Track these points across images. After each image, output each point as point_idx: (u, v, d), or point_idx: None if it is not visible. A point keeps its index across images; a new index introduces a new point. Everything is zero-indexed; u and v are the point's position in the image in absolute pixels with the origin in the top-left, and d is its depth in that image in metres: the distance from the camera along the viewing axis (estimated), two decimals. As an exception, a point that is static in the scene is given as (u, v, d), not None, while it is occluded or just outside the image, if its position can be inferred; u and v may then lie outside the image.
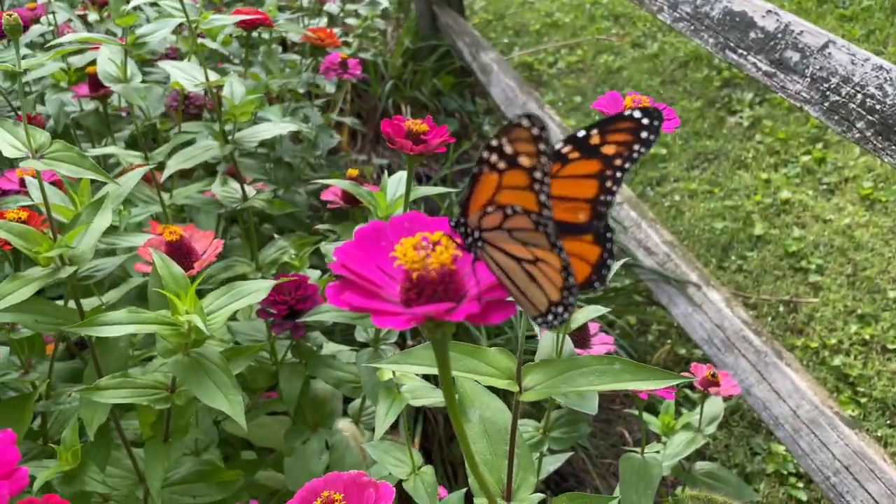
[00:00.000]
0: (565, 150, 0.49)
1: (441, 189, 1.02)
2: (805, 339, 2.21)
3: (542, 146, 0.41)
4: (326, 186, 2.01)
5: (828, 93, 1.22)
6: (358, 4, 2.39)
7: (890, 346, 2.16)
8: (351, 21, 2.45)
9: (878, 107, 1.14)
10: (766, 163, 2.86)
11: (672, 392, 1.07)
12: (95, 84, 1.29)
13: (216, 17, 1.23)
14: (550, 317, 0.45)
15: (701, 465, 1.39)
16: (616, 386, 0.57)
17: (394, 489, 0.57)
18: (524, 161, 0.42)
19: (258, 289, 0.80)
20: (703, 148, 2.97)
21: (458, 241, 0.43)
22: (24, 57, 1.47)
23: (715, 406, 1.37)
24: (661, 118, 0.48)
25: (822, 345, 2.19)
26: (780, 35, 1.33)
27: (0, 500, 0.43)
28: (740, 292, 2.37)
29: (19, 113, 1.45)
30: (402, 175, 1.06)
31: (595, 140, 0.49)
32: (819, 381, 1.97)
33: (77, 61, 1.33)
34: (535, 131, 0.41)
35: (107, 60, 1.13)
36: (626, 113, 0.48)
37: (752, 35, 1.38)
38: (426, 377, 0.87)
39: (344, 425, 1.06)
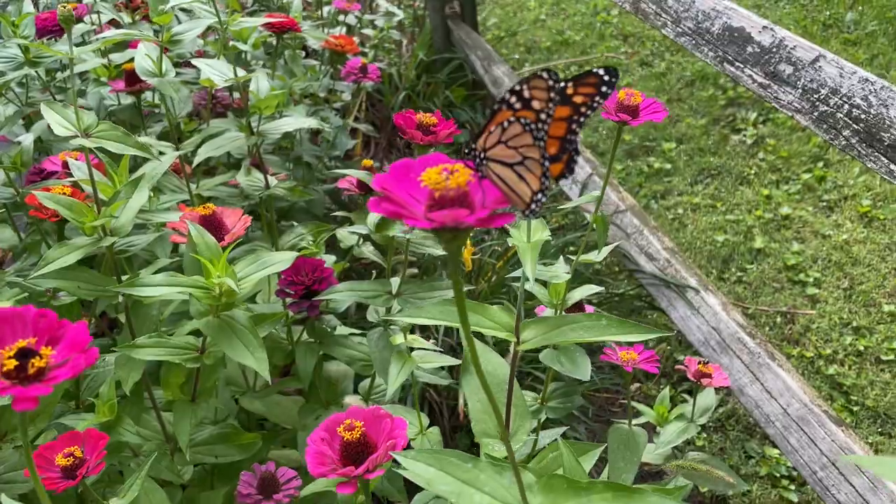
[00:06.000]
0: None
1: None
2: (801, 349, 2.28)
3: (552, 94, 0.54)
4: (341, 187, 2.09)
5: (817, 103, 1.30)
6: (374, 16, 2.48)
7: (884, 358, 2.22)
8: (367, 32, 2.54)
9: (863, 116, 1.22)
10: (767, 179, 2.93)
11: (656, 366, 1.14)
12: (131, 79, 1.38)
13: (245, 19, 1.32)
14: (534, 205, 0.56)
15: (694, 454, 1.46)
16: (603, 338, 0.65)
17: (407, 422, 0.65)
18: (536, 105, 0.55)
19: (282, 259, 0.88)
20: (706, 164, 3.05)
21: (470, 165, 0.55)
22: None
23: (707, 398, 1.43)
24: (617, 76, 0.62)
25: (818, 355, 2.25)
26: (774, 49, 1.41)
27: (77, 367, 0.50)
28: (739, 303, 2.44)
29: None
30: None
31: (570, 90, 0.62)
32: (813, 390, 2.03)
33: (117, 58, 1.42)
34: (552, 82, 0.54)
35: (144, 56, 1.22)
36: (594, 70, 0.62)
37: (749, 49, 1.46)
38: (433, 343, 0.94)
39: (351, 400, 1.13)
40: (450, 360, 0.93)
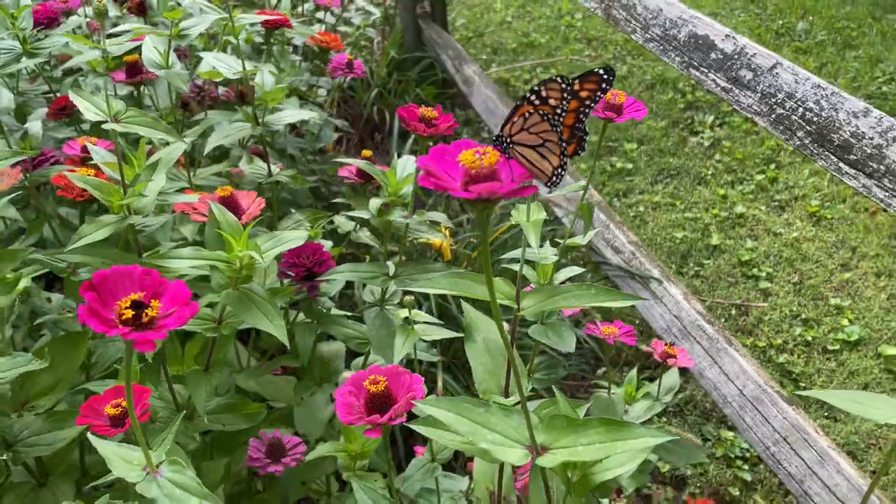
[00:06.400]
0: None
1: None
2: (754, 339, 2.42)
3: (565, 94, 0.66)
4: (323, 180, 2.16)
5: (775, 106, 1.42)
6: (351, 14, 2.56)
7: (830, 347, 2.37)
8: (343, 29, 2.61)
9: (815, 119, 1.34)
10: (723, 180, 3.08)
11: (633, 338, 1.24)
12: (132, 71, 1.44)
13: (243, 16, 1.39)
14: (554, 178, 0.69)
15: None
16: (591, 303, 0.75)
17: (422, 378, 0.73)
18: (552, 101, 0.66)
19: (296, 238, 0.96)
20: (666, 164, 3.19)
21: (498, 150, 0.65)
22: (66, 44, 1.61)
23: (672, 378, 1.55)
24: (614, 75, 0.75)
25: (769, 344, 2.40)
26: (736, 56, 1.53)
27: (183, 317, 0.58)
28: (697, 296, 2.57)
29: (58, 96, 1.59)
30: (408, 158, 1.23)
31: (577, 87, 0.76)
32: (767, 372, 2.17)
33: (115, 50, 1.47)
34: (564, 85, 0.66)
35: (151, 49, 1.28)
36: (596, 70, 0.75)
37: (713, 56, 1.58)
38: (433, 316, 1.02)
39: (349, 375, 1.21)
40: (449, 333, 1.01)
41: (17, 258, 0.99)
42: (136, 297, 0.58)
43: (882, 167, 1.22)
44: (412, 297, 0.96)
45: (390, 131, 3.24)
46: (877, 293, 2.53)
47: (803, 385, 2.27)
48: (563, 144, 0.66)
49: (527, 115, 0.65)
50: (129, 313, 0.58)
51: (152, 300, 0.59)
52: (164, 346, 1.06)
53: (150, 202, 0.99)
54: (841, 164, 1.29)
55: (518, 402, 0.84)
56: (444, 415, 0.67)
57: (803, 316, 2.48)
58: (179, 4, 1.84)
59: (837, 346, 2.37)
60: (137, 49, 1.47)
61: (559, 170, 0.68)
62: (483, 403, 0.67)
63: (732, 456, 2.11)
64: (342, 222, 1.29)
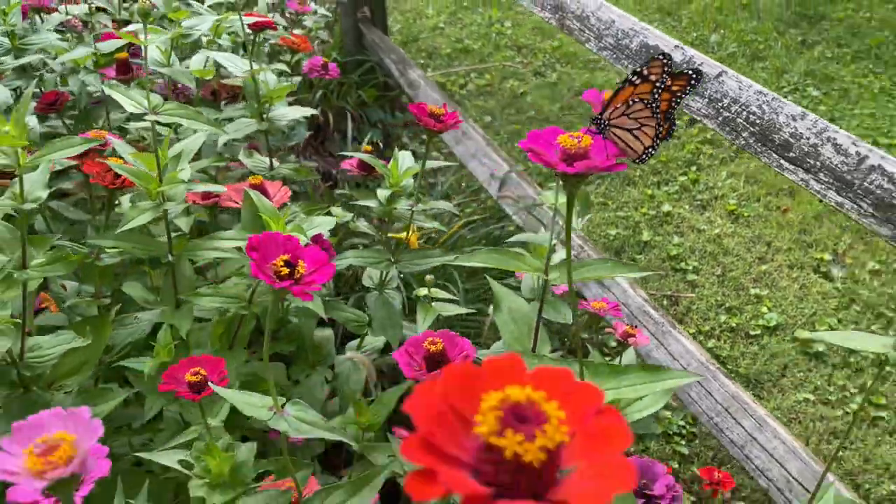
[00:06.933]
0: None
1: (443, 163, 1.31)
2: (684, 327, 2.62)
3: (665, 69, 0.77)
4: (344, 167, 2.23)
5: (721, 110, 1.59)
6: (305, 16, 2.63)
7: (752, 333, 2.60)
8: (296, 32, 2.68)
9: (758, 121, 1.51)
10: (650, 181, 3.30)
11: (619, 312, 1.38)
12: (122, 68, 1.48)
13: (234, 18, 1.46)
14: (644, 156, 0.81)
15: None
16: (610, 274, 0.87)
17: (469, 341, 0.84)
18: (653, 77, 0.78)
19: (324, 222, 1.05)
20: (597, 166, 3.38)
21: (593, 130, 0.76)
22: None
23: (629, 356, 1.70)
24: (702, 75, 0.84)
25: (699, 331, 2.61)
26: (685, 65, 1.70)
27: (328, 274, 0.67)
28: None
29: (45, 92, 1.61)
30: (406, 153, 1.33)
31: (668, 82, 0.84)
32: (707, 352, 2.36)
33: (104, 47, 1.51)
34: (666, 61, 0.78)
35: (154, 48, 1.33)
36: (685, 70, 0.84)
37: (661, 64, 1.74)
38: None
39: (353, 354, 1.30)
40: (463, 310, 1.12)
41: (46, 244, 1.04)
42: (286, 257, 0.67)
43: (818, 163, 1.40)
44: (432, 277, 1.06)
45: (334, 131, 3.31)
46: (790, 283, 2.78)
47: (729, 367, 2.48)
48: (660, 127, 0.78)
49: (630, 102, 0.77)
50: (286, 270, 0.67)
51: (299, 261, 0.68)
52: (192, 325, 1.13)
53: (183, 189, 1.05)
54: (782, 161, 1.46)
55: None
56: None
57: (727, 305, 2.70)
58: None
59: (759, 332, 2.60)
60: (124, 47, 1.51)
61: (650, 149, 0.80)
62: (536, 356, 0.78)
63: (671, 433, 2.29)
64: (339, 213, 1.38)
